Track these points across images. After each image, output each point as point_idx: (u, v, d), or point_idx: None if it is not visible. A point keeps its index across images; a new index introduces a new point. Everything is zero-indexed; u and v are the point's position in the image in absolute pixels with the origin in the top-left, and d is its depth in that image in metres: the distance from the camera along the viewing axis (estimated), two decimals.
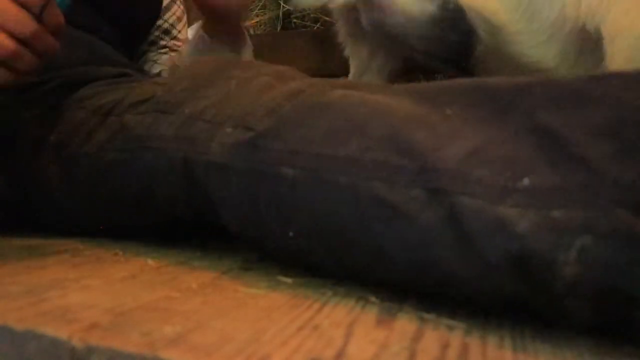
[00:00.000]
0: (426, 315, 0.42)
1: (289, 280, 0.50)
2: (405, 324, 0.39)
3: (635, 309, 0.35)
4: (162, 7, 1.05)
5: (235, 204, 0.51)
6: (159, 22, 1.05)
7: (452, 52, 0.86)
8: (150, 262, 0.54)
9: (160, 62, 1.06)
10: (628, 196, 0.35)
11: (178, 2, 1.09)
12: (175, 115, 0.57)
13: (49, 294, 0.41)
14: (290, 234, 0.47)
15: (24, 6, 0.56)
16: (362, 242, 0.43)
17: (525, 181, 0.37)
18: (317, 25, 1.66)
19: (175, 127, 0.56)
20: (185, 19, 1.10)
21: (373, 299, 0.45)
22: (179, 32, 1.08)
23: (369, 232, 0.42)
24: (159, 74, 1.05)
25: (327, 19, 1.62)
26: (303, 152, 0.46)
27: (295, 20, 1.70)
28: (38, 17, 0.57)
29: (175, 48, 1.06)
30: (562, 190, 0.36)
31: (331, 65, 1.32)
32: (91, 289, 0.43)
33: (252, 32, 1.65)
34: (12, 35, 0.56)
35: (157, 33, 1.05)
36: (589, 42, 0.76)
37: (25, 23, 0.56)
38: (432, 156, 0.41)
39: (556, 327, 0.42)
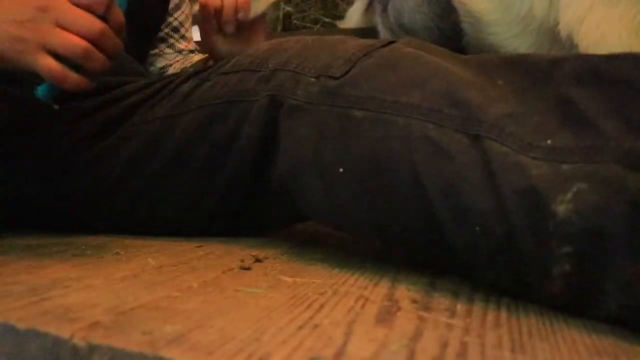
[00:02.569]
0: (425, 315, 0.42)
1: (289, 279, 0.50)
2: (404, 323, 0.40)
3: (611, 247, 0.41)
4: (173, 5, 1.06)
5: (300, 143, 0.59)
6: (170, 19, 1.06)
7: (445, 41, 0.88)
8: (151, 261, 0.54)
9: (165, 56, 1.07)
10: (623, 157, 0.42)
11: (187, 1, 1.10)
12: (261, 72, 0.65)
13: (50, 294, 0.41)
14: (340, 169, 0.55)
15: (88, 9, 0.57)
16: (404, 173, 0.51)
17: (549, 142, 0.45)
18: (318, 26, 1.66)
19: (264, 79, 0.64)
20: (191, 18, 1.11)
21: (373, 298, 0.46)
22: (187, 30, 1.10)
23: (412, 164, 0.50)
24: (162, 68, 1.06)
25: (327, 20, 1.62)
26: (373, 98, 0.55)
27: (295, 21, 1.70)
28: (103, 17, 0.57)
29: (180, 46, 1.07)
30: (574, 150, 0.44)
31: None
32: (93, 289, 0.43)
33: None
34: (81, 35, 0.56)
35: (166, 30, 1.07)
36: (558, 38, 0.77)
37: (93, 22, 0.57)
38: (477, 110, 0.49)
39: (554, 327, 0.42)
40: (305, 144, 0.59)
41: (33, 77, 0.59)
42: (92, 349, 0.32)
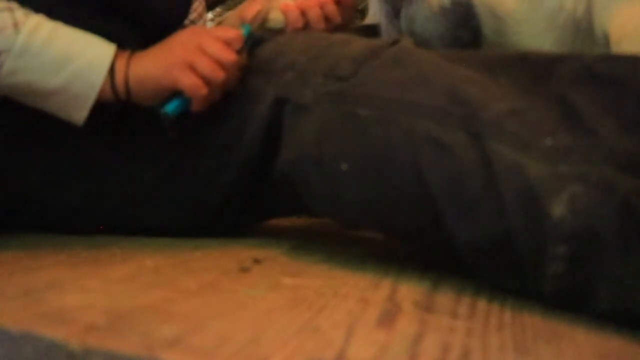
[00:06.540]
0: (427, 317, 0.42)
1: (288, 281, 0.50)
2: (405, 325, 0.39)
3: (603, 249, 0.43)
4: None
5: (302, 138, 0.59)
6: (185, 21, 1.05)
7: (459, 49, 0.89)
8: (148, 262, 0.54)
9: None
10: (617, 159, 0.44)
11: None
12: (268, 72, 0.65)
13: (46, 295, 0.41)
14: (344, 167, 0.55)
15: (228, 42, 0.65)
16: (407, 170, 0.52)
17: (548, 141, 0.46)
18: None
19: (271, 80, 0.64)
20: (205, 16, 1.10)
21: (374, 299, 0.45)
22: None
23: (416, 162, 0.51)
24: None
25: None
26: (378, 96, 0.56)
27: None
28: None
29: None
30: (571, 150, 0.45)
31: None
32: (88, 290, 0.43)
33: None
34: (219, 62, 0.63)
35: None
36: (581, 32, 0.78)
37: (230, 54, 0.64)
38: (478, 108, 0.50)
39: (558, 330, 0.42)
40: (307, 139, 0.60)
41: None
42: (88, 352, 0.32)
